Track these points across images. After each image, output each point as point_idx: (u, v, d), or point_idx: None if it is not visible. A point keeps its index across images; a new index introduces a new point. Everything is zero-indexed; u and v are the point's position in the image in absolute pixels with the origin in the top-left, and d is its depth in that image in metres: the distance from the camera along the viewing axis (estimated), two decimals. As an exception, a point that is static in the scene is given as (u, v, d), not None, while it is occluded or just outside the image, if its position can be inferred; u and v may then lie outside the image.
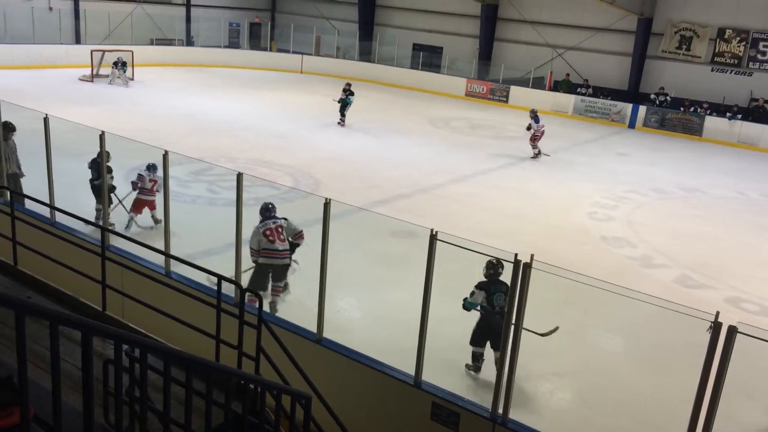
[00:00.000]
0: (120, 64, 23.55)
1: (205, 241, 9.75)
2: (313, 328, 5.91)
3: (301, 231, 8.04)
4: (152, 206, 10.22)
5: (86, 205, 10.72)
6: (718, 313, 4.15)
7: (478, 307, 6.87)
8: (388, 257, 9.93)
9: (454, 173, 15.23)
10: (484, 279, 6.89)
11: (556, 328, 6.53)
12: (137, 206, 10.20)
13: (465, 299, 6.88)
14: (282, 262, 7.90)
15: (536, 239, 10.90)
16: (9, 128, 9.08)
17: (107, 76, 23.55)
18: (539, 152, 17.61)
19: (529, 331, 5.84)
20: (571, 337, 8.16)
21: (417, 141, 18.46)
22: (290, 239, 7.99)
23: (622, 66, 25.82)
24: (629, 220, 12.95)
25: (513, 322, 4.89)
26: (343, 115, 19.55)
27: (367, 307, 8.71)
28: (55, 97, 18.90)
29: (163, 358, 3.24)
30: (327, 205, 5.64)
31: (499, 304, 6.74)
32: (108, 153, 8.53)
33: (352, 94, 19.61)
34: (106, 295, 6.13)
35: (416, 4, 30.57)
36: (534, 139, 17.51)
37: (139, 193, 10.15)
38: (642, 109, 23.72)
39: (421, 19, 30.78)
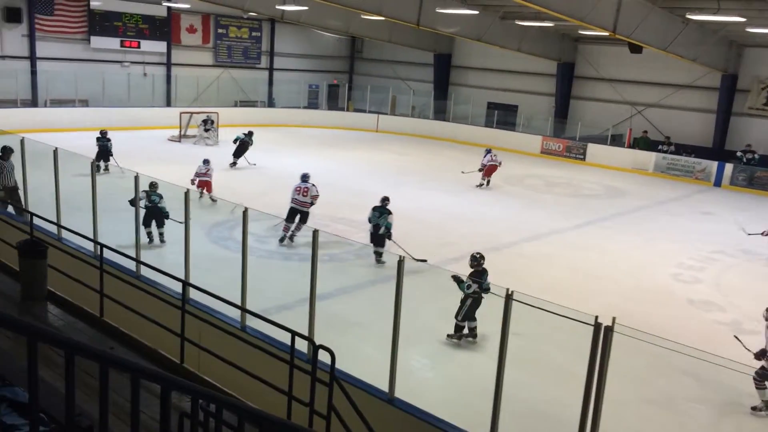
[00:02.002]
0: (209, 122, 24.75)
1: (280, 296, 9.90)
2: (385, 387, 5.82)
3: (317, 195, 13.13)
4: (209, 188, 15.11)
5: (167, 258, 11.15)
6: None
7: (472, 291, 8.71)
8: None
9: (529, 231, 14.97)
10: (472, 270, 8.89)
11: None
12: (199, 184, 14.95)
13: (463, 288, 8.66)
14: (299, 208, 12.87)
15: (617, 301, 10.49)
16: (8, 151, 11.44)
17: (194, 136, 24.73)
18: (485, 183, 19.60)
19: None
20: (658, 407, 7.70)
21: (491, 198, 18.34)
22: (310, 198, 12.94)
23: (706, 123, 25.02)
24: (717, 283, 12.29)
25: (594, 389, 4.66)
26: (236, 157, 20.15)
27: (440, 366, 8.54)
28: (145, 157, 19.99)
29: (238, 414, 3.25)
30: (401, 262, 5.63)
31: (486, 285, 8.57)
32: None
33: (250, 134, 20.55)
34: (185, 348, 6.28)
35: (491, 64, 30.89)
36: (486, 172, 19.55)
37: (198, 176, 15.07)
38: (728, 167, 22.77)
39: (496, 78, 31.03)
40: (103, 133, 17.88)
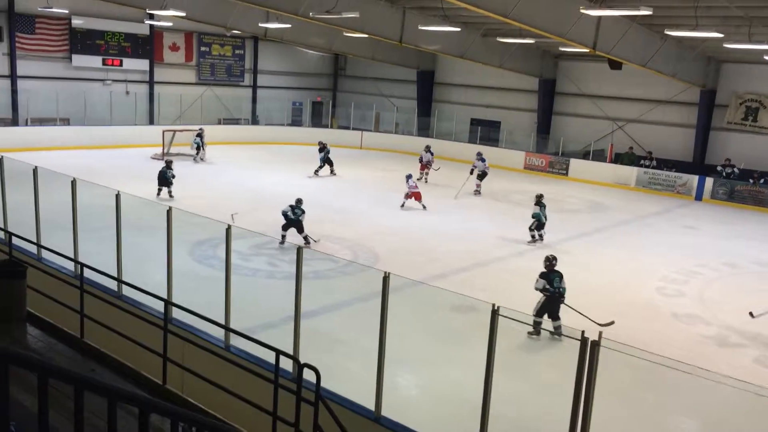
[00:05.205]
0: (202, 136, 24.53)
1: (264, 314, 9.81)
2: (371, 405, 5.75)
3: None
4: (418, 197, 18.15)
5: (149, 278, 11.01)
6: (808, 399, 3.82)
7: (543, 289, 9.57)
8: (449, 332, 9.72)
9: (515, 247, 15.00)
10: (544, 270, 9.69)
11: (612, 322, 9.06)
12: (410, 196, 18.15)
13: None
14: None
15: (603, 315, 10.48)
16: None
17: (184, 154, 24.33)
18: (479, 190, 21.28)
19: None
20: (644, 422, 7.68)
21: (476, 214, 18.37)
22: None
23: (686, 138, 25.33)
24: (701, 297, 12.35)
25: (582, 404, 4.63)
26: (332, 165, 22.97)
27: (426, 384, 8.47)
28: (128, 175, 19.84)
29: (219, 435, 3.18)
30: (386, 278, 5.59)
31: (557, 285, 9.55)
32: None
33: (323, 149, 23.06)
34: (167, 369, 6.16)
35: (474, 81, 31.11)
36: (479, 177, 21.41)
37: (411, 190, 18.24)
38: (709, 181, 23.03)
39: (479, 94, 31.25)
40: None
